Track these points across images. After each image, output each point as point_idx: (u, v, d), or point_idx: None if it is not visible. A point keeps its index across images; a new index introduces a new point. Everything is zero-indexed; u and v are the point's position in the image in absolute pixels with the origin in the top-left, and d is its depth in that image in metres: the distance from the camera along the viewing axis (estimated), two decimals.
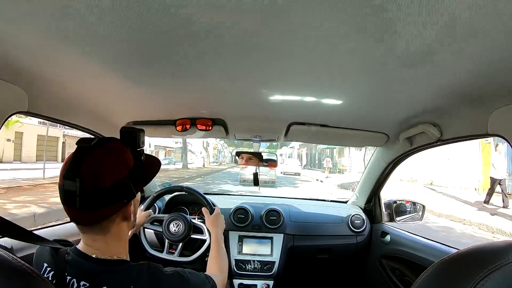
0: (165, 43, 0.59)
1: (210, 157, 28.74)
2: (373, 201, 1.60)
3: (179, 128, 1.23)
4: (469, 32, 0.49)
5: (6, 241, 0.85)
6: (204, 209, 1.22)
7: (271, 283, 1.42)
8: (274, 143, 1.68)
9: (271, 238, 1.49)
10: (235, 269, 1.42)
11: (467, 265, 0.40)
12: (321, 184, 13.29)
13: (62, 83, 0.82)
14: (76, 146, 0.59)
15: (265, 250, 1.47)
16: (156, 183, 1.78)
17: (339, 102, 0.95)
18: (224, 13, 0.48)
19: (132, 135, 0.68)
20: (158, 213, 1.47)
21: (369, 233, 1.57)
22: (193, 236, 1.29)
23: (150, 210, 1.33)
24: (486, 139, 7.85)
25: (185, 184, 1.48)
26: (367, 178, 1.60)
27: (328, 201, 1.84)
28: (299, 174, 17.98)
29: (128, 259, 0.63)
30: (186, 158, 20.27)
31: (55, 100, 0.90)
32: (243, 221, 1.51)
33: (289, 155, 29.74)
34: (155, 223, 1.34)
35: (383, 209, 1.57)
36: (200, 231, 1.30)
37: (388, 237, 1.45)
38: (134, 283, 0.56)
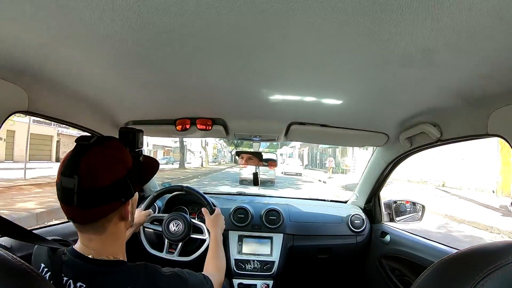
0: (165, 42, 0.59)
1: (209, 157, 28.50)
2: (373, 201, 1.60)
3: (179, 127, 1.23)
4: (469, 32, 0.49)
5: (6, 240, 0.85)
6: (204, 209, 1.23)
7: (270, 283, 1.42)
8: (274, 143, 1.68)
9: (271, 238, 1.49)
10: (235, 269, 1.42)
11: (467, 265, 0.40)
12: (325, 185, 12.74)
13: (61, 83, 0.82)
14: (72, 145, 0.59)
15: (265, 250, 1.47)
16: (156, 183, 1.79)
17: (339, 102, 0.95)
18: (224, 13, 0.48)
19: (130, 135, 0.68)
20: (158, 212, 1.47)
21: (369, 233, 1.57)
22: (193, 235, 1.29)
23: (150, 210, 1.33)
24: None
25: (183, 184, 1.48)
26: (367, 178, 1.60)
27: (328, 201, 1.84)
28: (300, 175, 17.57)
29: (125, 260, 0.62)
30: (183, 157, 19.77)
31: (54, 100, 0.90)
32: (243, 221, 1.51)
33: (290, 154, 29.59)
34: (155, 223, 1.34)
35: (383, 209, 1.57)
36: (200, 231, 1.30)
37: (388, 237, 1.45)
38: (131, 284, 0.56)
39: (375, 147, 1.49)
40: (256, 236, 1.50)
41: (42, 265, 0.59)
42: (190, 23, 0.51)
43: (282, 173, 17.26)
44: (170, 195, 1.54)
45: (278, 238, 1.49)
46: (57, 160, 17.56)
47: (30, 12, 0.49)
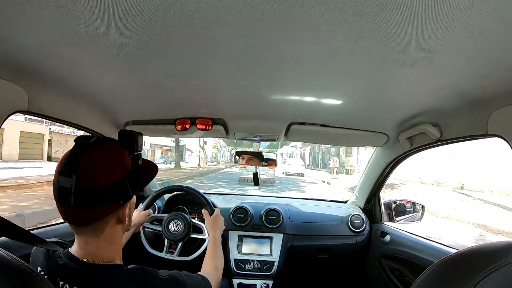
0: (165, 42, 0.59)
1: (208, 156, 28.17)
2: (373, 201, 1.60)
3: (179, 127, 1.23)
4: (469, 32, 0.49)
5: (5, 240, 0.85)
6: (204, 211, 1.23)
7: (270, 283, 1.42)
8: (275, 143, 1.69)
9: (270, 238, 1.49)
10: (235, 269, 1.42)
11: (467, 266, 0.40)
12: (329, 186, 12.03)
13: (61, 82, 0.82)
14: (65, 143, 0.58)
15: (265, 250, 1.47)
16: (156, 183, 1.79)
17: (339, 102, 0.95)
18: (224, 13, 0.48)
19: (130, 138, 0.68)
20: (158, 212, 1.47)
21: (368, 233, 1.57)
22: (192, 235, 1.29)
23: (149, 210, 1.33)
24: None
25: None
26: (367, 178, 1.60)
27: (327, 201, 1.84)
28: (302, 175, 16.94)
29: (121, 263, 0.61)
30: (179, 156, 19.09)
31: (54, 99, 0.90)
32: (243, 221, 1.51)
33: (290, 154, 29.48)
34: (154, 223, 1.34)
35: (383, 209, 1.57)
36: (200, 231, 1.30)
37: (387, 237, 1.45)
38: None
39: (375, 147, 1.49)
40: (256, 236, 1.50)
41: (39, 268, 0.58)
42: (190, 23, 0.51)
43: (283, 173, 16.84)
44: (170, 195, 1.54)
45: (278, 238, 1.49)
46: (49, 159, 16.89)
47: (30, 12, 0.49)
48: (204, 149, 22.84)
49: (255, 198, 1.87)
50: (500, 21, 0.45)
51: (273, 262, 1.44)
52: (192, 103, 1.07)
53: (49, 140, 17.72)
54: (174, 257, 1.26)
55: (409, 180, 10.49)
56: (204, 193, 1.38)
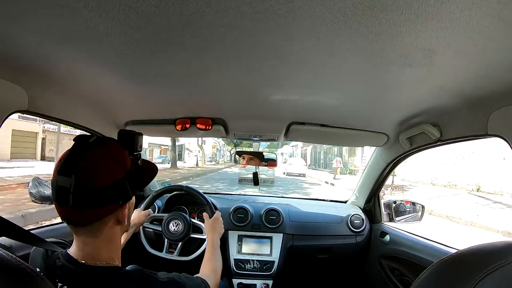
0: (165, 42, 0.59)
1: (207, 156, 27.81)
2: (373, 201, 1.60)
3: (178, 127, 1.23)
4: (469, 32, 0.49)
5: (5, 240, 0.85)
6: (205, 214, 1.23)
7: (270, 282, 1.42)
8: (275, 142, 1.69)
9: (270, 238, 1.49)
10: (235, 269, 1.42)
11: (467, 265, 0.40)
12: (333, 188, 11.45)
13: (61, 82, 0.82)
14: (64, 142, 0.58)
15: (265, 249, 1.47)
16: (156, 183, 1.79)
17: (339, 102, 0.95)
18: (224, 13, 0.48)
19: (130, 138, 0.68)
20: (158, 212, 1.47)
21: (368, 233, 1.57)
22: (192, 235, 1.29)
23: (149, 210, 1.33)
24: None
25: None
26: (367, 178, 1.60)
27: (327, 201, 1.84)
28: (304, 175, 16.34)
29: (120, 265, 0.61)
30: (176, 156, 18.31)
31: (54, 99, 0.90)
32: (243, 221, 1.51)
33: (291, 154, 29.35)
34: (154, 223, 1.34)
35: (383, 209, 1.58)
36: (200, 231, 1.30)
37: (387, 237, 1.45)
38: None
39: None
40: (255, 236, 1.50)
41: (37, 269, 0.57)
42: (190, 23, 0.51)
43: (284, 173, 16.56)
44: (170, 194, 1.55)
45: (277, 238, 1.49)
46: (42, 158, 16.44)
47: (30, 12, 0.49)
48: (203, 148, 22.63)
49: (255, 197, 1.87)
50: (500, 21, 0.45)
51: (273, 262, 1.44)
52: (192, 103, 1.07)
53: (43, 138, 17.15)
54: (174, 257, 1.26)
55: (419, 181, 9.90)
56: (204, 193, 1.38)
